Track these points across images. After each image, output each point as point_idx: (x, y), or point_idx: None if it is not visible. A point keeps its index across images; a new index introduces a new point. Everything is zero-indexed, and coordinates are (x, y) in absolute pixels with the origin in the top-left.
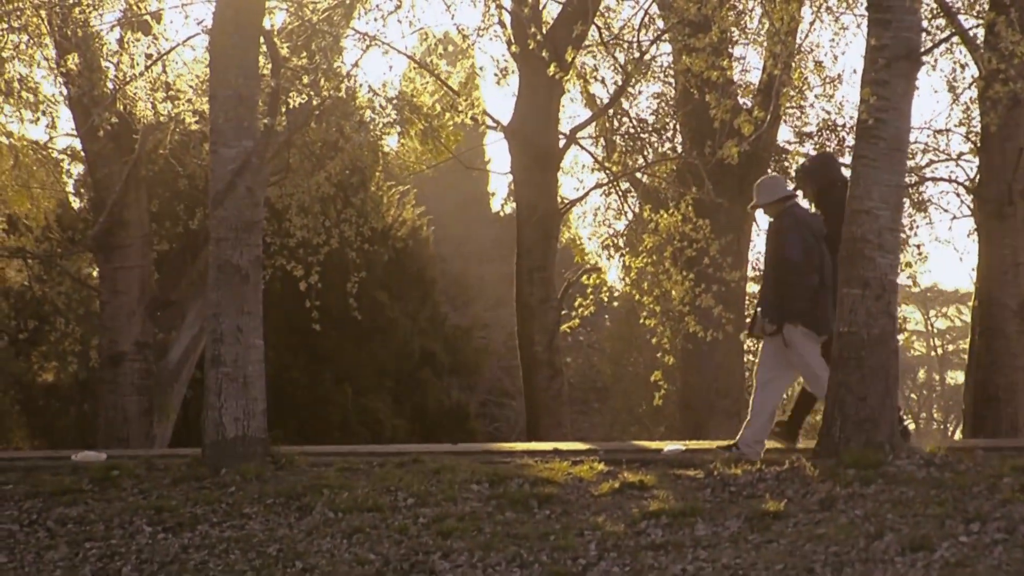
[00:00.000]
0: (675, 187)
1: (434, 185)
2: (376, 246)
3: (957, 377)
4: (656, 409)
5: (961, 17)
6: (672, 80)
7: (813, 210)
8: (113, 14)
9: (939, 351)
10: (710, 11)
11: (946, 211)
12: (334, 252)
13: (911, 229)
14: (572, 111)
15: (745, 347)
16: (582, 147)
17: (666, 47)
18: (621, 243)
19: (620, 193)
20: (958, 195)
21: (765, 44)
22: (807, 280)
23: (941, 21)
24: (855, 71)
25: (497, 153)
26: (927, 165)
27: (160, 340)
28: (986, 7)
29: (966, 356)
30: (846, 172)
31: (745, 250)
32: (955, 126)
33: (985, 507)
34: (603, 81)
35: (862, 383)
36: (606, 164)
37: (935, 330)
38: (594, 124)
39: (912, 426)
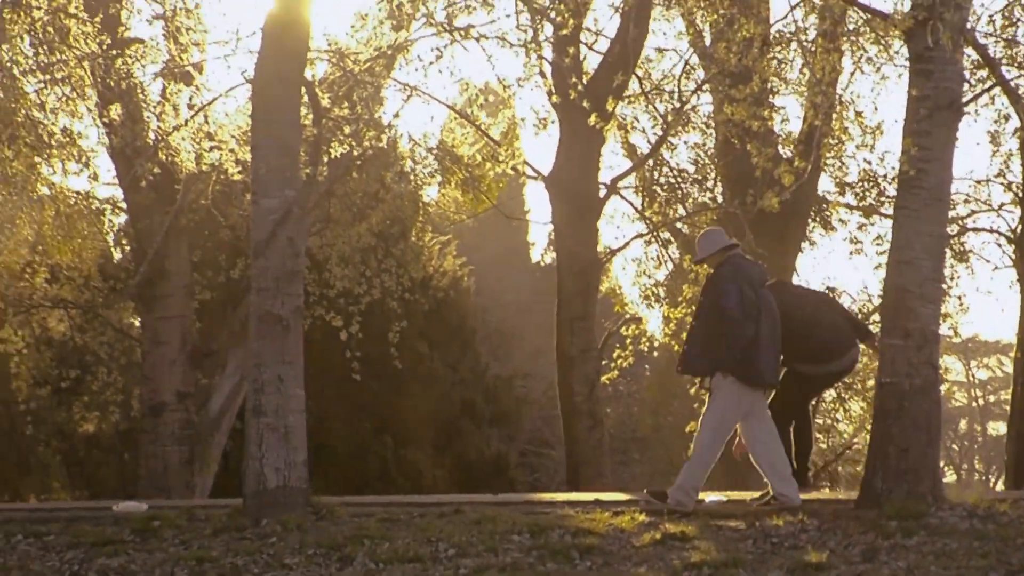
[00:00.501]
0: None
1: (474, 235)
2: (416, 296)
3: (999, 428)
4: None
5: (1003, 68)
6: (712, 130)
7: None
8: (156, 66)
9: (980, 402)
10: (751, 62)
11: (987, 261)
12: (375, 302)
13: (952, 279)
14: (612, 161)
15: None
16: (622, 197)
17: (706, 97)
18: (661, 293)
19: (660, 243)
20: (999, 245)
21: (806, 94)
22: (742, 331)
23: (983, 72)
24: (896, 121)
25: (537, 203)
26: (968, 215)
27: (202, 387)
28: None
29: (1008, 407)
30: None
31: None
32: (996, 176)
33: None
34: (643, 131)
35: (904, 434)
36: (646, 214)
37: (976, 380)
38: (634, 174)
39: (953, 477)
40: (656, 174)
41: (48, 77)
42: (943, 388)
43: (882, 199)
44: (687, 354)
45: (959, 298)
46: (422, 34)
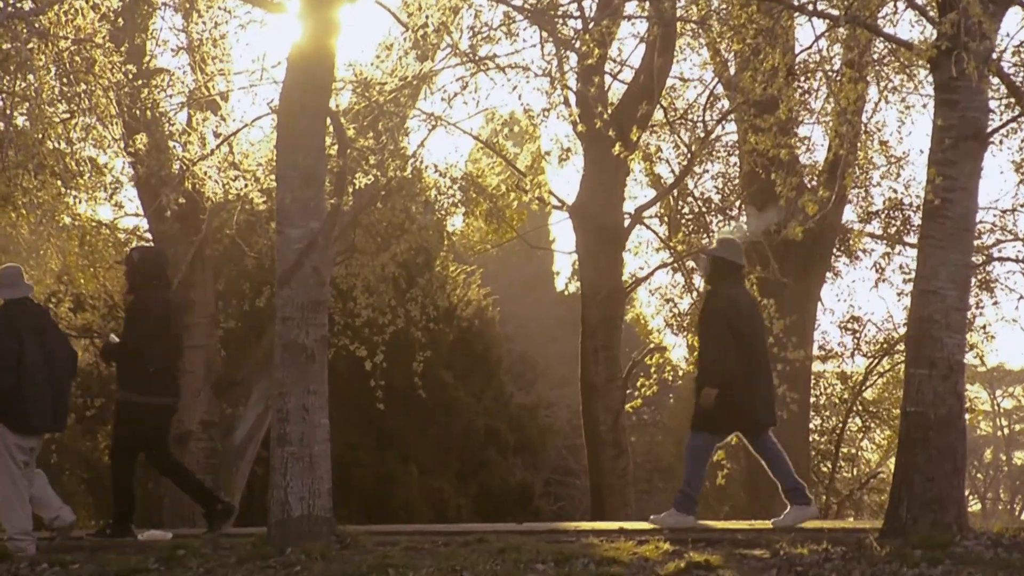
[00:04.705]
0: None
1: (499, 264)
2: (441, 326)
3: None
4: (720, 488)
5: None
6: (736, 159)
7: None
8: (181, 97)
9: (1006, 431)
10: (776, 91)
11: (1012, 291)
12: (399, 332)
13: (977, 309)
14: (637, 190)
15: (811, 426)
16: (647, 226)
17: (731, 126)
18: (685, 322)
19: (685, 272)
20: None
21: (831, 124)
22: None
23: (1009, 100)
24: (921, 151)
25: (562, 232)
26: (994, 244)
27: (227, 416)
28: None
29: None
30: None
31: (810, 329)
32: (1021, 205)
33: None
34: (668, 161)
35: (929, 463)
36: (671, 243)
37: (1002, 410)
38: (659, 203)
39: (978, 507)
40: (680, 203)
41: (74, 107)
42: (968, 417)
43: (907, 227)
44: None
45: (984, 327)
46: (447, 64)
